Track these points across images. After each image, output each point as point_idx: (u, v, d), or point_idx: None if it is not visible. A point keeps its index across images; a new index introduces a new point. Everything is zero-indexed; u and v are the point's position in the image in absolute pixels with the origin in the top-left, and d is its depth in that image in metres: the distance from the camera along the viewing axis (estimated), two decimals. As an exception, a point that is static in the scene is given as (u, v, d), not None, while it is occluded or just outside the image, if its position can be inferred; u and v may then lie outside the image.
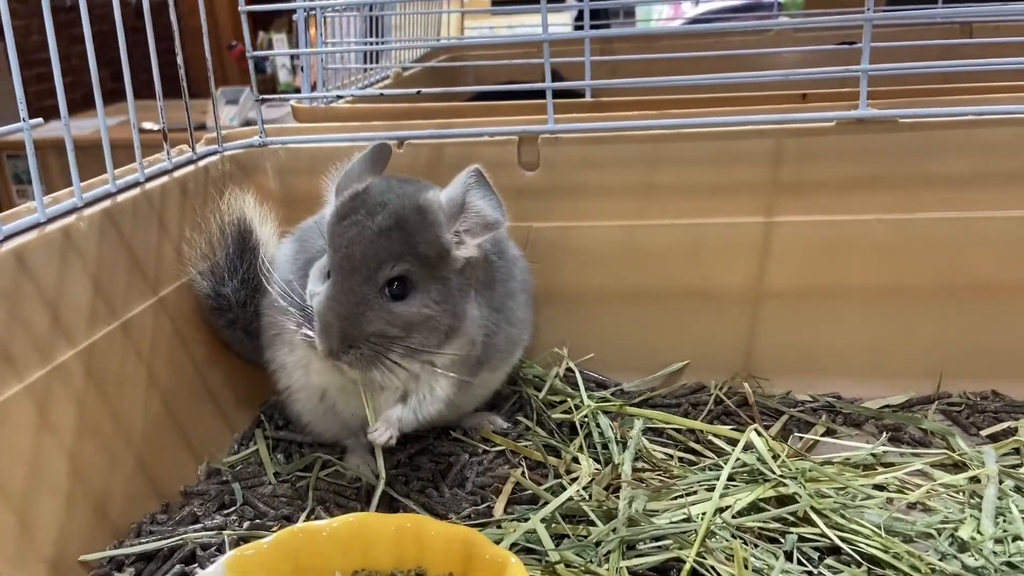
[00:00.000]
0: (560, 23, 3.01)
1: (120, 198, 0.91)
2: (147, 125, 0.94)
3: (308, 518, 0.86)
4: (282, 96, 1.24)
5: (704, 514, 0.78)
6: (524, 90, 1.20)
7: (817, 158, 1.03)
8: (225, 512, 0.88)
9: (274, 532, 0.76)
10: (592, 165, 1.07)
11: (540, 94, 1.11)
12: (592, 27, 2.05)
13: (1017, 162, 0.98)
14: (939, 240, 1.01)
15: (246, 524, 0.85)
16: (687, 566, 0.72)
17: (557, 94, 1.10)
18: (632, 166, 1.06)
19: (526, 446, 0.95)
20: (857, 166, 1.02)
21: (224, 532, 0.83)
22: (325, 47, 1.29)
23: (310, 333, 0.80)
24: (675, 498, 0.83)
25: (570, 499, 0.80)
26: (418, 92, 1.08)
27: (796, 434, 0.97)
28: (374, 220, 0.79)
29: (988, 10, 1.29)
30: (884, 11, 1.03)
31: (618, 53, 1.82)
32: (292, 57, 3.88)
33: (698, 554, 0.73)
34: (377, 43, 1.45)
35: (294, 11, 1.31)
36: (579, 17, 2.69)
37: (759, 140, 1.03)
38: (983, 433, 0.95)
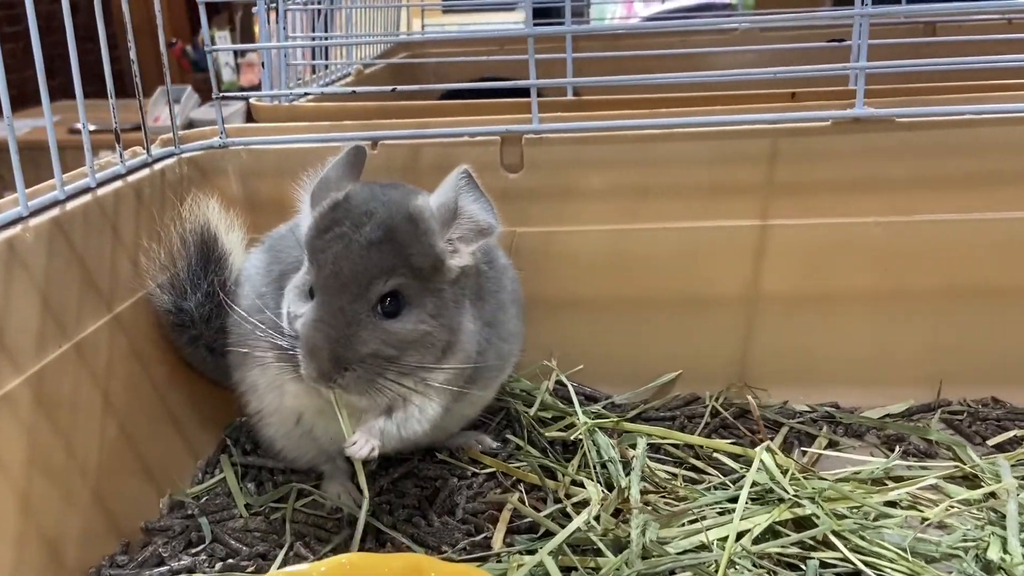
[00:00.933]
0: (512, 21, 2.96)
1: (69, 206, 0.83)
2: (79, 126, 0.85)
3: (287, 555, 0.79)
4: (242, 95, 1.16)
5: (722, 540, 0.73)
6: (501, 88, 1.14)
7: (813, 159, 0.99)
8: (193, 551, 0.80)
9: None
10: (579, 167, 1.02)
11: (515, 92, 1.05)
12: (544, 26, 2.00)
13: (1015, 162, 0.96)
14: (938, 242, 0.98)
15: (218, 565, 0.77)
16: (710, 600, 0.67)
17: (525, 92, 1.04)
18: (621, 168, 1.01)
19: (519, 468, 0.89)
20: (853, 167, 0.99)
21: (194, 575, 0.75)
22: (287, 40, 1.21)
23: (286, 358, 0.73)
24: (684, 524, 0.77)
25: (577, 529, 0.74)
26: (393, 90, 1.01)
27: (800, 448, 0.92)
28: (361, 232, 0.72)
29: (975, 6, 1.26)
30: (876, 9, 1.00)
31: (581, 52, 1.77)
32: (236, 55, 3.75)
33: (720, 586, 0.68)
34: (345, 37, 1.37)
35: (244, 5, 1.23)
36: (533, 15, 2.63)
37: (753, 140, 0.99)
38: (989, 443, 0.92)
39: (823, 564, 0.73)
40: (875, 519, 0.78)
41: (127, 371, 0.88)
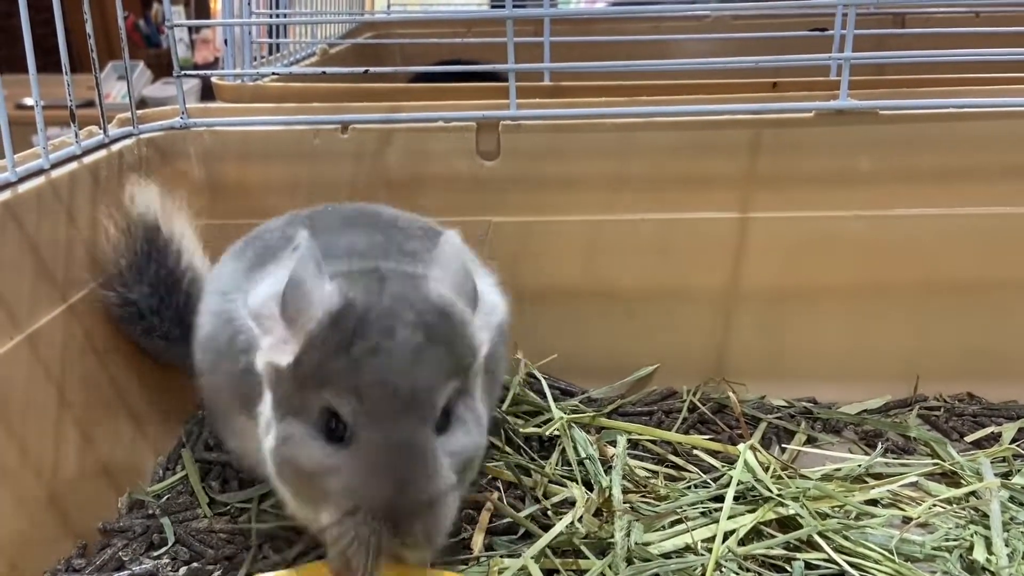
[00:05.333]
0: (476, 2, 2.91)
1: (22, 188, 0.78)
2: (27, 101, 0.79)
3: (255, 558, 0.75)
4: (205, 72, 1.11)
5: (707, 541, 0.72)
6: (472, 72, 1.11)
7: (794, 150, 0.97)
8: (155, 554, 0.76)
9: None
10: (556, 155, 0.99)
11: (484, 76, 1.03)
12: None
13: (997, 157, 0.95)
14: (917, 237, 0.97)
15: (182, 569, 0.73)
16: (697, 605, 0.65)
17: (494, 77, 1.01)
18: (600, 156, 0.98)
19: (494, 466, 0.86)
20: (835, 159, 0.97)
21: (157, 580, 0.71)
22: (252, 17, 1.16)
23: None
24: (667, 526, 0.75)
25: (560, 532, 0.72)
26: (366, 71, 0.97)
27: (780, 445, 0.91)
28: (396, 340, 0.56)
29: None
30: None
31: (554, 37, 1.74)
32: (190, 31, 3.64)
33: (707, 590, 0.66)
34: (312, 15, 1.32)
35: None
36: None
37: (735, 130, 0.97)
38: (967, 439, 0.92)
39: (807, 565, 0.71)
40: (857, 518, 0.77)
41: (82, 364, 0.83)
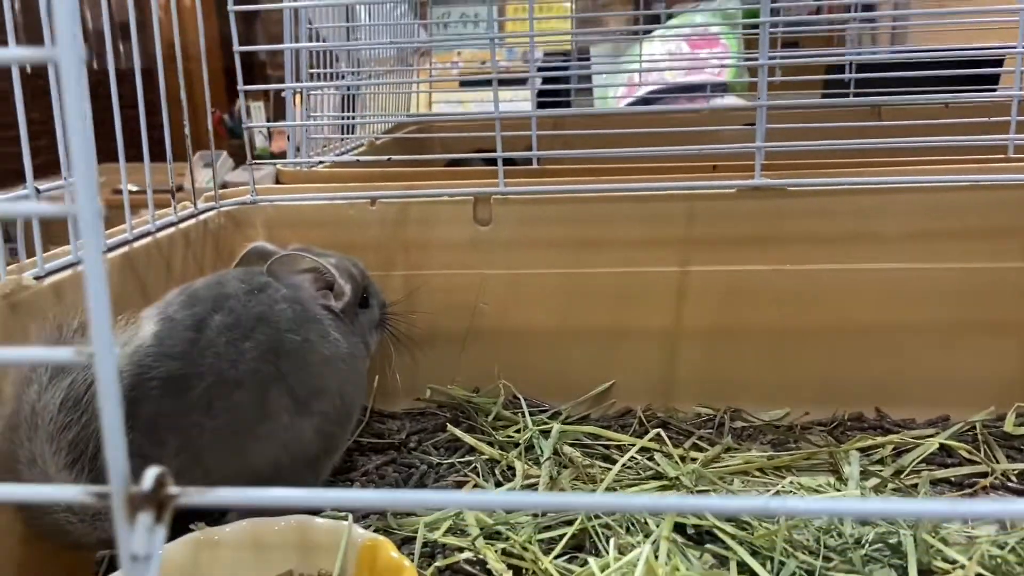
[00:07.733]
0: (525, 99, 3.26)
1: (136, 245, 1.09)
2: (132, 188, 1.08)
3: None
4: (270, 161, 1.43)
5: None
6: (484, 158, 1.40)
7: (722, 219, 1.23)
8: None
9: None
10: (537, 222, 1.26)
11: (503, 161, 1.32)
12: (553, 104, 2.31)
13: (885, 224, 1.19)
14: (825, 288, 1.21)
15: None
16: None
17: (511, 162, 1.30)
18: (571, 223, 1.26)
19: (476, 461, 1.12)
20: (756, 226, 1.22)
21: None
22: (309, 119, 1.49)
23: None
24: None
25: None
26: (388, 160, 1.27)
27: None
28: None
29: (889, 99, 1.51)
30: (773, 102, 1.24)
31: (570, 128, 2.04)
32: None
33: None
34: (352, 116, 1.65)
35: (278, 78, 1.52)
36: (540, 95, 2.93)
37: (675, 203, 1.23)
38: (857, 447, 1.14)
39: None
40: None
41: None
